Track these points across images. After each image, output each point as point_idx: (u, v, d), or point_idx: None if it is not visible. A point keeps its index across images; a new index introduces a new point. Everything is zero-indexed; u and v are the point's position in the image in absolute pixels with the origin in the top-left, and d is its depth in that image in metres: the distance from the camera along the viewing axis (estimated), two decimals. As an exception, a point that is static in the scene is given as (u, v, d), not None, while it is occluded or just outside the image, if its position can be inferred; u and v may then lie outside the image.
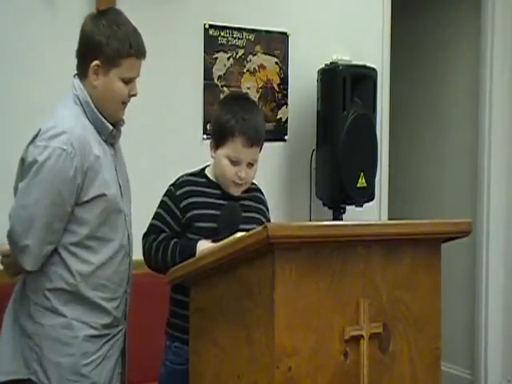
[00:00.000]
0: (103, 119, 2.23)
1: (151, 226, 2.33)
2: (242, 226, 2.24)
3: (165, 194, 2.34)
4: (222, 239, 2.11)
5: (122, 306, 2.31)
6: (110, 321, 2.25)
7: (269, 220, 2.44)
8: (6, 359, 2.22)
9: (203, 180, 2.35)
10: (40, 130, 2.15)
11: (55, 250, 2.17)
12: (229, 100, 2.53)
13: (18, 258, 2.16)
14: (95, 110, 2.21)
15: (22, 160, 2.18)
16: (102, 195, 2.16)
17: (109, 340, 2.27)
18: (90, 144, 2.15)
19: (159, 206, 2.34)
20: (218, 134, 2.32)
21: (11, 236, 2.15)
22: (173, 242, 2.24)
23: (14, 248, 2.16)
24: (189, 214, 2.28)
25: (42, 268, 2.17)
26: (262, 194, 2.47)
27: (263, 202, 2.46)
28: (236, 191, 2.32)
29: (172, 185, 2.35)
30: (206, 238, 2.22)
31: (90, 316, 2.20)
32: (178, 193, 2.30)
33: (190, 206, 2.28)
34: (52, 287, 2.17)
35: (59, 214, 2.12)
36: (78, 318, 2.19)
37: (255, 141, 2.28)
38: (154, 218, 2.34)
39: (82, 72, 2.22)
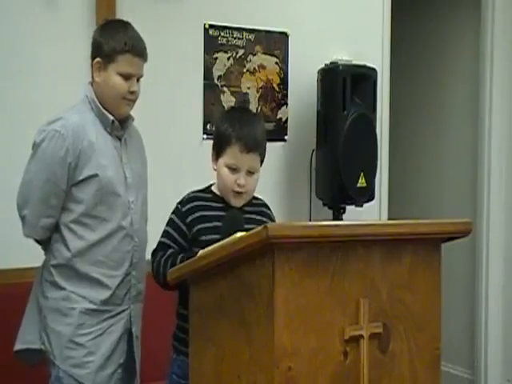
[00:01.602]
0: (104, 111, 2.43)
1: (159, 243, 2.35)
2: None
3: (172, 212, 2.36)
4: None
5: (124, 286, 2.45)
6: (108, 295, 2.41)
7: None
8: (26, 330, 2.46)
9: (209, 195, 2.37)
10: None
11: (58, 229, 2.40)
12: (229, 112, 2.58)
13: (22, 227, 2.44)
14: (99, 105, 2.43)
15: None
16: (95, 175, 2.36)
17: (111, 317, 2.43)
18: (85, 131, 2.37)
19: (167, 224, 2.36)
20: (217, 143, 2.34)
21: (17, 207, 2.42)
22: (180, 257, 2.25)
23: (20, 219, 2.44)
24: (195, 229, 2.29)
25: (50, 246, 2.43)
26: (268, 208, 2.47)
27: (269, 216, 2.44)
28: (237, 202, 2.32)
29: (179, 202, 2.37)
30: None
31: (88, 291, 2.39)
32: (184, 209, 2.33)
33: (196, 221, 2.30)
34: (55, 263, 2.41)
35: (53, 190, 2.35)
36: (77, 291, 2.39)
37: (252, 146, 2.28)
38: (162, 235, 2.36)
39: (92, 74, 2.45)
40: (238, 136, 2.27)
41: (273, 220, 2.45)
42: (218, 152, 2.33)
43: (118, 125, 2.45)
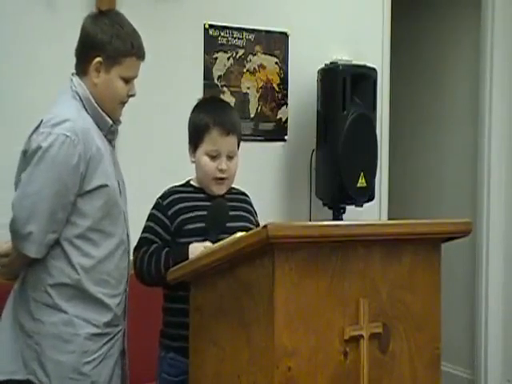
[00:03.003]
0: (103, 113, 2.25)
1: (141, 239, 2.33)
2: (231, 224, 2.25)
3: (153, 207, 2.36)
4: (212, 237, 2.18)
5: (122, 304, 2.31)
6: (110, 318, 2.24)
7: (257, 222, 2.44)
8: (5, 359, 2.20)
9: (189, 189, 2.38)
10: (42, 120, 2.16)
11: (57, 244, 2.15)
12: (200, 103, 2.53)
13: (21, 246, 2.13)
14: (96, 105, 2.23)
15: (24, 152, 2.18)
16: (104, 186, 2.17)
17: (110, 340, 2.26)
18: (92, 135, 2.17)
19: (148, 219, 2.35)
20: (193, 134, 2.35)
21: (13, 224, 2.12)
22: (164, 252, 2.23)
23: (16, 237, 2.14)
24: (177, 220, 2.29)
25: (43, 262, 2.16)
26: (247, 196, 2.49)
27: (249, 203, 2.47)
28: (219, 189, 2.33)
29: (159, 197, 2.37)
30: (197, 238, 2.23)
31: (91, 313, 2.19)
32: (165, 202, 2.33)
33: (178, 212, 2.30)
34: (54, 282, 2.16)
35: (63, 203, 2.11)
36: (80, 315, 2.17)
37: (231, 129, 2.31)
38: (143, 231, 2.34)
39: (82, 70, 2.25)
40: (216, 121, 2.29)
41: (253, 207, 2.47)
42: (195, 143, 2.33)
43: (116, 129, 2.31)
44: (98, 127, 2.24)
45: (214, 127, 2.28)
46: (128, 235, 2.33)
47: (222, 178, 2.31)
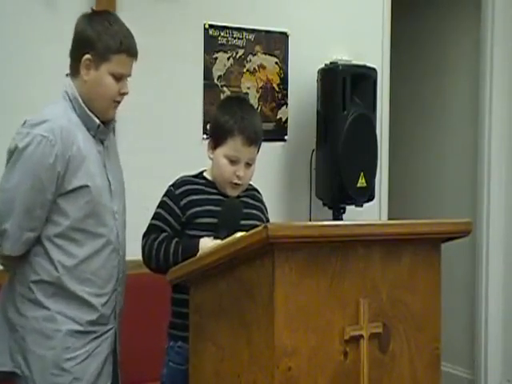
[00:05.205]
0: (90, 114, 2.23)
1: (151, 225, 2.34)
2: (243, 222, 2.27)
3: (165, 194, 2.36)
4: (222, 235, 2.17)
5: (110, 304, 2.29)
6: (96, 317, 2.23)
7: (267, 219, 2.45)
8: None
9: (202, 181, 2.38)
10: (26, 120, 2.19)
11: (40, 242, 2.17)
12: (227, 101, 2.57)
13: None
14: (83, 105, 2.22)
15: (8, 150, 2.20)
16: (85, 186, 2.17)
17: (96, 338, 2.25)
18: (74, 135, 2.17)
19: (159, 206, 2.35)
20: (216, 133, 2.34)
21: None
22: (174, 242, 2.25)
23: None
24: (189, 212, 2.30)
25: (28, 259, 2.19)
26: (259, 193, 2.49)
27: (261, 201, 2.47)
28: (233, 192, 2.34)
29: (172, 185, 2.37)
30: (207, 233, 2.24)
31: (74, 311, 2.20)
32: (178, 192, 2.33)
33: (190, 204, 2.30)
34: (36, 279, 2.18)
35: (39, 200, 2.13)
36: (62, 311, 2.19)
37: (254, 140, 2.31)
38: (153, 218, 2.35)
39: (75, 69, 2.24)
40: (241, 129, 2.28)
41: (264, 204, 2.48)
42: (216, 141, 2.33)
43: (104, 129, 2.26)
44: (86, 127, 2.23)
45: (239, 135, 2.28)
46: (118, 235, 2.30)
47: (237, 183, 2.32)
